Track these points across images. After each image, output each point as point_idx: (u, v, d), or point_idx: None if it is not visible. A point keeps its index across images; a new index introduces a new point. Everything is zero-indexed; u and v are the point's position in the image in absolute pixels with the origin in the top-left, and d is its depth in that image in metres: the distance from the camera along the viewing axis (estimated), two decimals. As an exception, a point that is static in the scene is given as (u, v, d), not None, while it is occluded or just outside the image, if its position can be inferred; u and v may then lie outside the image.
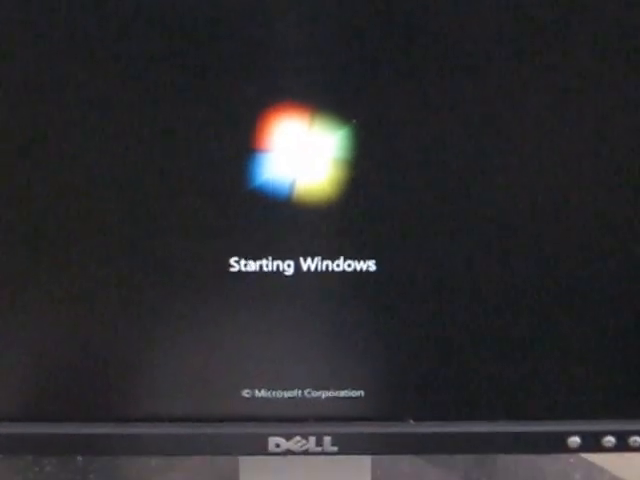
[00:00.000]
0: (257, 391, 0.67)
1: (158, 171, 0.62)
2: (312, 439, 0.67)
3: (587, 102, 0.61)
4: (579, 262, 0.64)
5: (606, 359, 0.66)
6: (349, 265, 0.64)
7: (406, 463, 0.85)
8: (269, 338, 0.66)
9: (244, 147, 0.61)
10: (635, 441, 0.68)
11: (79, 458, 0.87)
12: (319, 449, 0.68)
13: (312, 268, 0.64)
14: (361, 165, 0.61)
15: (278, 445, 0.67)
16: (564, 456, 0.87)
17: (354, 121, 0.61)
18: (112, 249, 0.63)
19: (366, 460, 0.74)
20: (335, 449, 0.68)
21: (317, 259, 0.63)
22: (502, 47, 0.59)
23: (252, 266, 0.63)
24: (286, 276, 0.64)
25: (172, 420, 0.67)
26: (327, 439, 0.67)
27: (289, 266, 0.64)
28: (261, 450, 0.68)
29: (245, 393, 0.67)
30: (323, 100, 0.60)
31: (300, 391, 0.67)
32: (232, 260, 0.63)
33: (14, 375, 0.66)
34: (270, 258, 0.63)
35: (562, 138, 0.61)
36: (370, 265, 0.64)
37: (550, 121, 0.61)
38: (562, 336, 0.66)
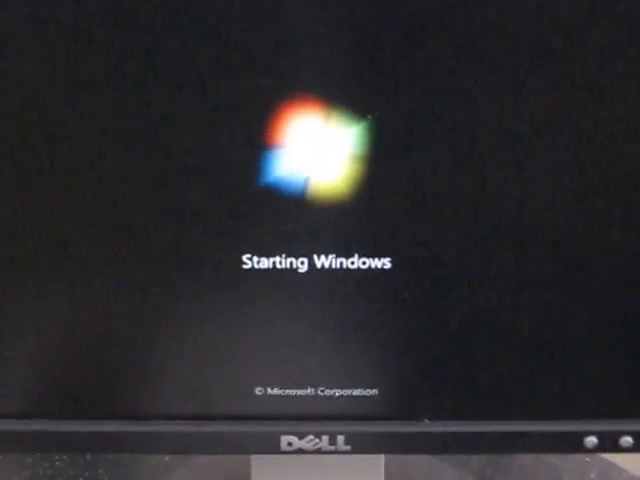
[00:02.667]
0: (270, 389, 0.66)
1: (170, 166, 0.61)
2: (325, 438, 0.67)
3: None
4: (597, 263, 0.63)
5: (623, 359, 0.66)
6: (364, 263, 0.63)
7: (420, 462, 0.85)
8: (282, 336, 0.65)
9: (258, 142, 0.60)
10: (653, 441, 0.67)
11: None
12: (332, 448, 0.67)
13: (326, 265, 0.63)
14: (376, 161, 0.61)
15: (290, 444, 0.67)
16: (580, 455, 0.86)
17: (370, 116, 0.60)
18: (123, 245, 0.62)
19: (380, 459, 0.73)
20: (348, 448, 0.67)
21: (331, 256, 0.63)
22: (521, 38, 0.59)
23: (265, 263, 0.63)
24: (300, 273, 0.63)
25: (183, 418, 0.67)
26: (340, 438, 0.67)
27: (303, 263, 0.63)
28: (273, 449, 0.67)
29: (257, 391, 0.66)
30: (338, 95, 0.60)
31: (313, 389, 0.66)
32: (245, 257, 0.62)
33: (23, 372, 0.66)
34: (284, 255, 0.63)
35: (585, 142, 0.61)
36: (385, 263, 0.63)
37: (574, 119, 0.60)
38: (578, 335, 0.65)
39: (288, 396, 0.66)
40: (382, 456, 0.73)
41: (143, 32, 0.58)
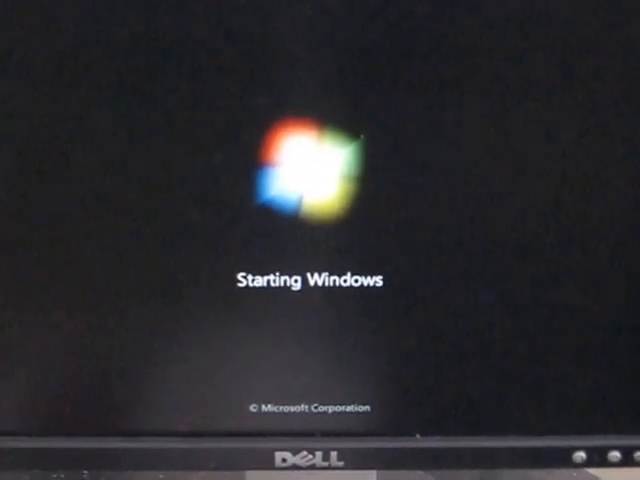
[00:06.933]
0: (264, 406, 0.66)
1: (165, 186, 0.62)
2: (319, 454, 0.67)
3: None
4: (583, 281, 0.64)
5: (611, 374, 0.66)
6: (356, 280, 0.63)
7: (413, 478, 0.85)
8: (276, 353, 0.65)
9: (251, 162, 0.61)
10: (640, 456, 0.67)
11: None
12: (326, 464, 0.67)
13: (319, 283, 0.63)
14: (369, 180, 0.61)
15: (285, 460, 0.67)
16: (567, 469, 0.87)
17: (362, 136, 0.60)
18: (119, 264, 0.63)
19: (371, 475, 0.73)
20: (341, 464, 0.67)
21: (324, 274, 0.63)
22: (514, 58, 0.59)
23: (259, 281, 0.63)
24: (293, 291, 0.64)
25: (178, 435, 0.67)
26: (334, 454, 0.67)
27: (296, 281, 0.63)
28: (267, 465, 0.67)
29: (252, 408, 0.66)
30: (331, 115, 0.60)
31: (307, 406, 0.66)
32: (239, 275, 0.63)
33: (20, 390, 0.66)
34: (277, 273, 0.63)
35: (582, 158, 0.61)
36: (377, 281, 0.63)
37: (568, 138, 0.61)
38: (567, 351, 0.65)
39: (282, 413, 0.66)
40: (374, 472, 0.74)
41: (140, 53, 0.59)
